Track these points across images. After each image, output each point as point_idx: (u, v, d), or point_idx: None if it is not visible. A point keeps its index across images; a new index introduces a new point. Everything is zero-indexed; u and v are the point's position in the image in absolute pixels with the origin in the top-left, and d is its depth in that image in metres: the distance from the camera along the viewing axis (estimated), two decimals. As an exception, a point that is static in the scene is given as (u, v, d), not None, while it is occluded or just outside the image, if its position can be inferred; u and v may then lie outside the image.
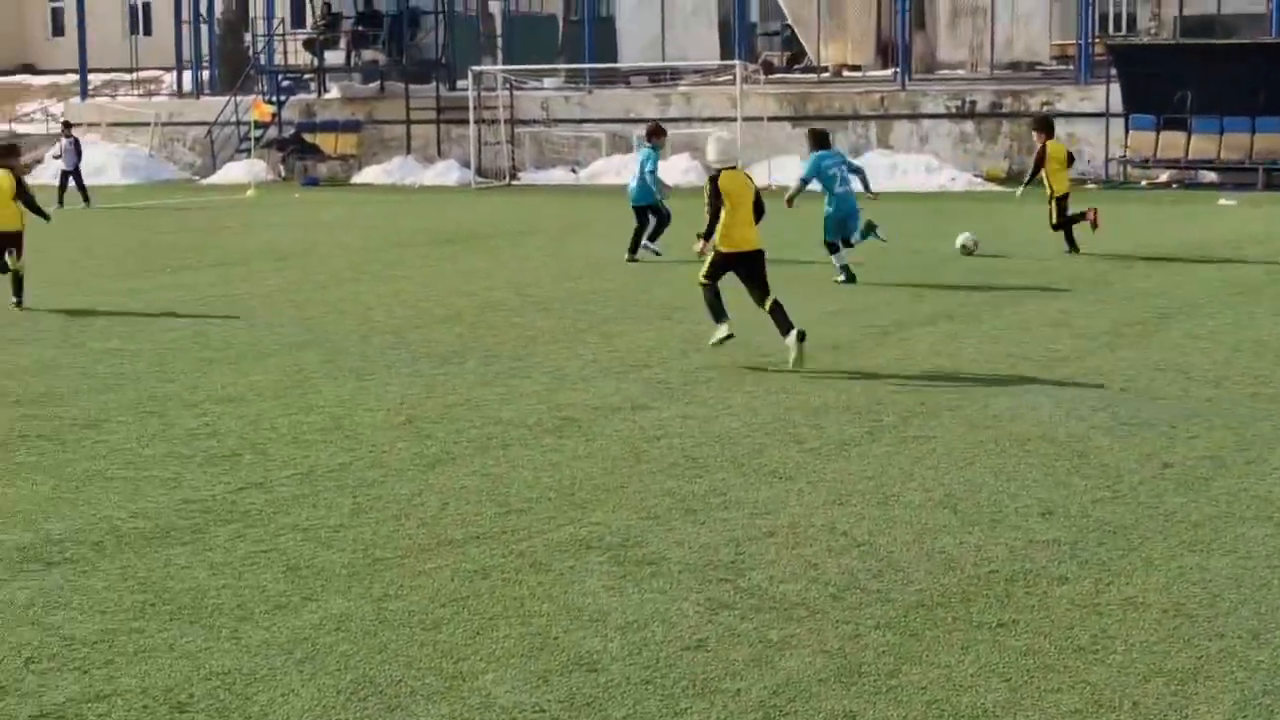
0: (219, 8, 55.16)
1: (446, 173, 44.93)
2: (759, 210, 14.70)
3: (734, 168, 14.84)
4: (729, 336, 14.82)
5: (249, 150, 46.95)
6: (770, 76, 46.01)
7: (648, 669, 6.92)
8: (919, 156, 40.19)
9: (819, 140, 21.12)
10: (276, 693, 6.68)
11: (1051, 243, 23.36)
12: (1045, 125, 24.16)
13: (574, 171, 43.98)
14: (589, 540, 8.86)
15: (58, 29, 70.06)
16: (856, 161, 23.75)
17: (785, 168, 40.95)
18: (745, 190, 14.61)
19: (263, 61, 51.33)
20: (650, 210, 23.62)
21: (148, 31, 64.41)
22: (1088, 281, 20.04)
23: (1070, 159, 23.76)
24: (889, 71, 46.09)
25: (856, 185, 20.98)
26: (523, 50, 49.54)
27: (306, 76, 51.07)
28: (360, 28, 48.90)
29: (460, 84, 46.68)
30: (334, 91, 50.00)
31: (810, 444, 11.23)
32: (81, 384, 13.92)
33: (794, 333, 14.23)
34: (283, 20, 53.86)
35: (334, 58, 49.86)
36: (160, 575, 8.28)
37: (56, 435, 11.81)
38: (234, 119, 48.69)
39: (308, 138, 48.26)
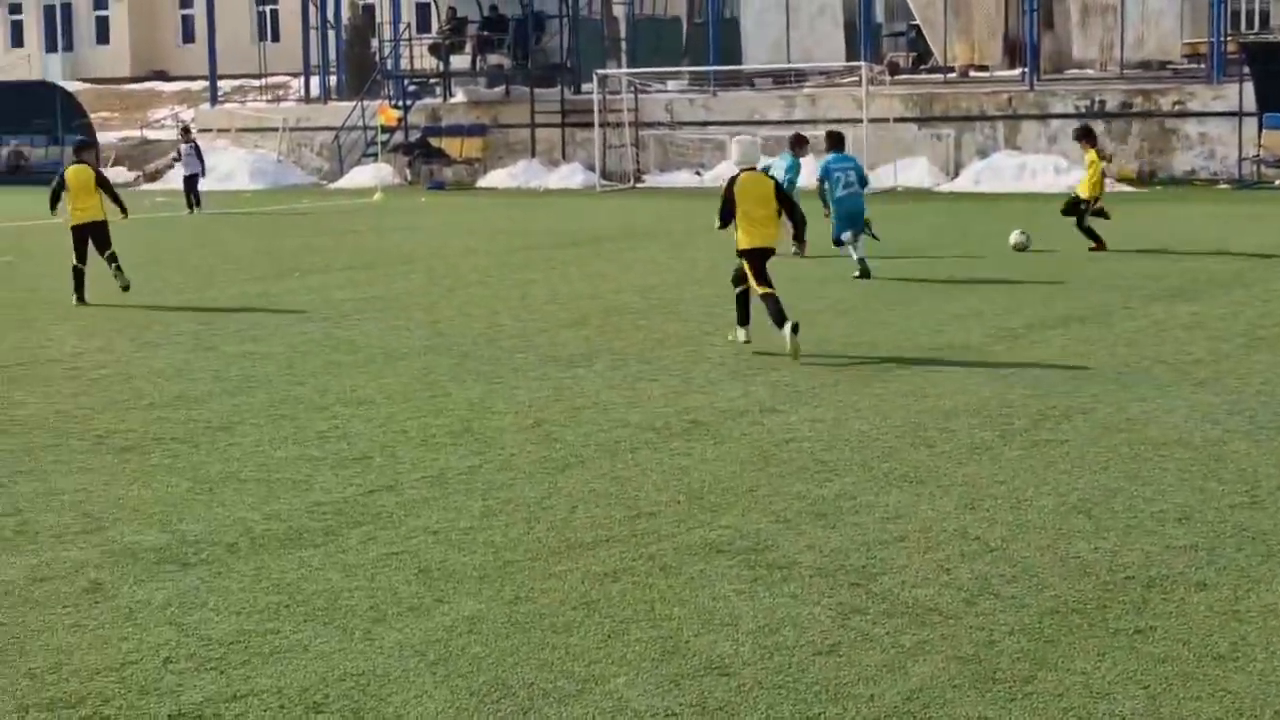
0: (346, 14, 55.69)
1: (571, 176, 45.09)
2: (788, 208, 15.69)
3: (754, 169, 15.78)
4: (746, 341, 15.62)
5: (375, 155, 47.37)
6: (896, 77, 45.77)
7: (780, 673, 6.88)
8: (1047, 157, 39.81)
9: (834, 143, 21.94)
10: (410, 694, 6.70)
11: (1185, 243, 23.03)
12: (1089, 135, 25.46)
13: (698, 174, 43.97)
14: (719, 544, 8.84)
15: (188, 36, 71.05)
16: (868, 175, 23.75)
17: (912, 169, 40.75)
18: (761, 192, 15.46)
19: (389, 66, 51.73)
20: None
21: (276, 38, 65.15)
22: (1222, 283, 19.76)
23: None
24: (1017, 71, 45.68)
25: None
26: (647, 53, 49.61)
27: (432, 81, 51.43)
28: (485, 32, 49.16)
29: (585, 87, 46.85)
30: (459, 96, 50.32)
31: (941, 448, 11.14)
32: (214, 387, 14.08)
33: (788, 325, 14.80)
34: (408, 25, 54.30)
35: (459, 62, 50.19)
36: (294, 577, 8.35)
37: (190, 438, 11.94)
38: (361, 124, 49.13)
39: (433, 142, 48.60)
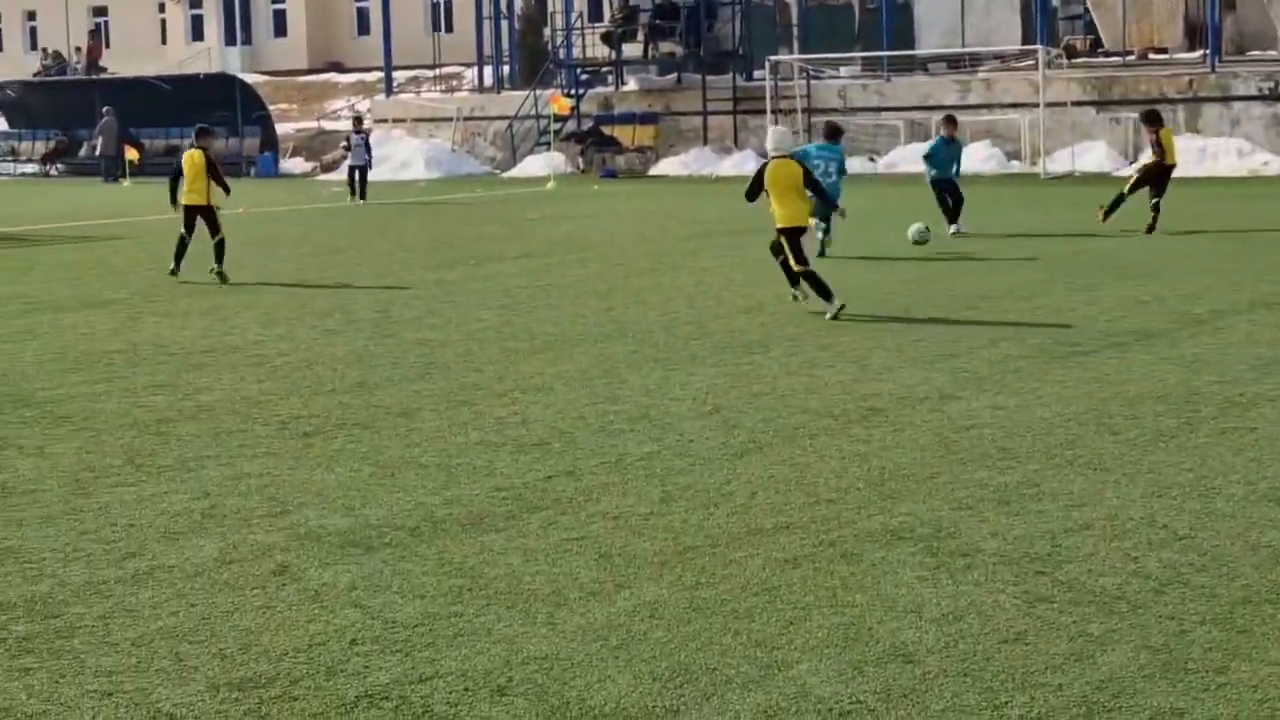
0: (519, 4, 56.03)
1: (743, 163, 44.97)
2: (816, 191, 17.39)
3: (785, 157, 17.28)
4: (843, 307, 16.70)
5: (548, 143, 47.63)
6: (1073, 60, 45.12)
7: (965, 661, 6.80)
8: (1230, 140, 39.06)
9: (830, 133, 23.11)
10: (593, 678, 6.72)
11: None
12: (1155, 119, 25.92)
13: (872, 160, 43.70)
14: (900, 531, 8.76)
15: (363, 28, 71.91)
16: (849, 167, 24.61)
17: (1089, 154, 40.16)
18: (789, 176, 17.00)
19: (562, 55, 51.97)
20: (947, 189, 25.44)
21: (449, 28, 65.74)
22: None
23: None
24: (1197, 53, 44.82)
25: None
26: (819, 39, 49.38)
27: (604, 70, 51.59)
28: (657, 20, 49.20)
29: (757, 74, 46.76)
30: (631, 84, 50.42)
31: (1126, 435, 10.96)
32: (394, 373, 14.23)
33: (835, 303, 16.60)
34: (581, 14, 54.51)
35: (631, 50, 50.29)
36: (476, 561, 8.40)
37: (371, 423, 12.08)
38: (533, 113, 49.41)
39: (606, 130, 48.77)
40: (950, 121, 26.90)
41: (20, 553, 8.72)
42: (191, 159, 22.23)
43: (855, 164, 43.67)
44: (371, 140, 47.37)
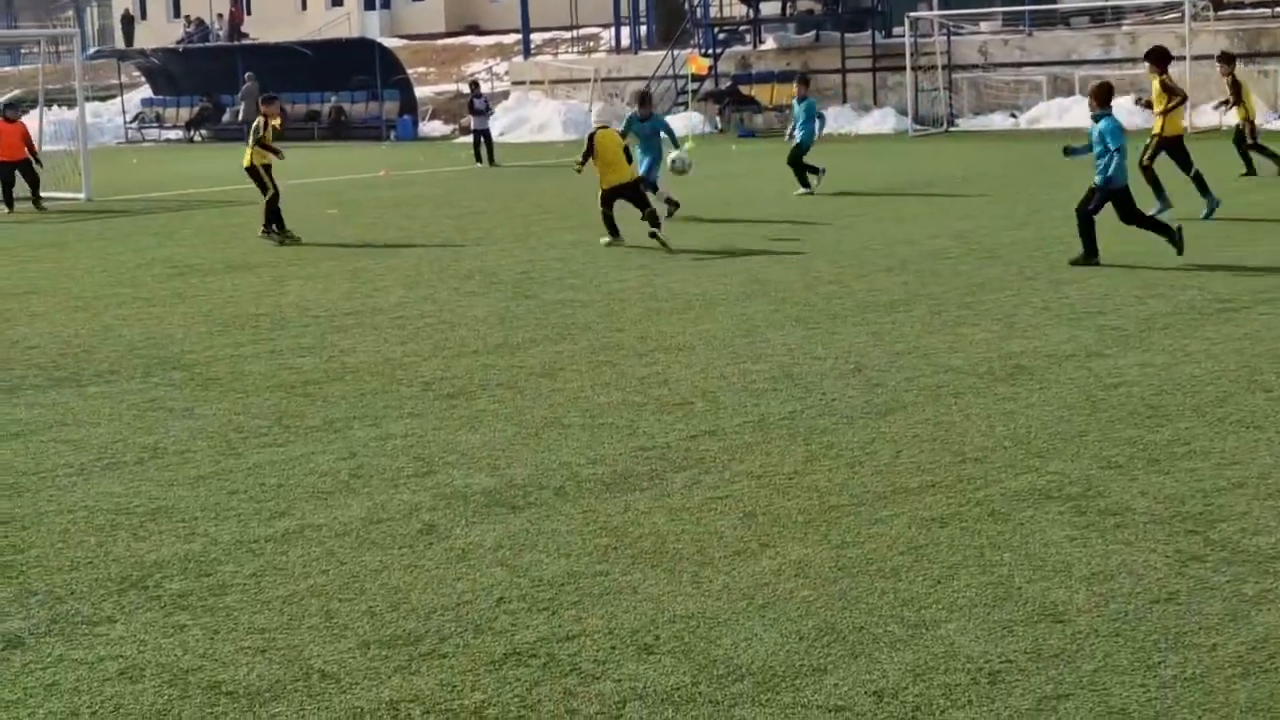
0: (656, -36, 55.95)
1: (883, 121, 44.71)
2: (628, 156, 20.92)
3: (607, 127, 21.05)
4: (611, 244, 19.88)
5: (686, 103, 47.52)
6: (1220, 12, 44.31)
7: (1116, 621, 6.71)
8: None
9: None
10: (739, 637, 6.71)
11: None
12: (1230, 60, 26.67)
13: (1014, 116, 43.21)
14: (1048, 490, 8.66)
15: (501, -10, 72.11)
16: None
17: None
18: (613, 143, 20.95)
19: (699, 15, 51.82)
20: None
21: (587, -10, 65.75)
22: None
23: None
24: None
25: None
26: (960, -6, 48.84)
27: (742, 28, 51.38)
28: (796, -22, 48.95)
29: (896, 31, 46.38)
30: (769, 43, 50.21)
31: (1279, 392, 10.76)
32: (536, 333, 14.28)
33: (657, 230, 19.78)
34: (717, -27, 54.30)
35: (769, 9, 50.09)
36: (620, 520, 8.42)
37: (514, 384, 12.13)
38: (671, 73, 49.33)
39: (744, 89, 48.58)
40: (802, 81, 28.76)
41: (173, 512, 8.86)
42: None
43: (997, 119, 43.37)
44: (509, 102, 47.54)
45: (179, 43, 68.35)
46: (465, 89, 49.27)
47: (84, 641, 6.91)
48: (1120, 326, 13.37)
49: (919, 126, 43.64)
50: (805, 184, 27.21)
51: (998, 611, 6.88)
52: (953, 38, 45.45)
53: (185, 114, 60.20)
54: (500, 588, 7.43)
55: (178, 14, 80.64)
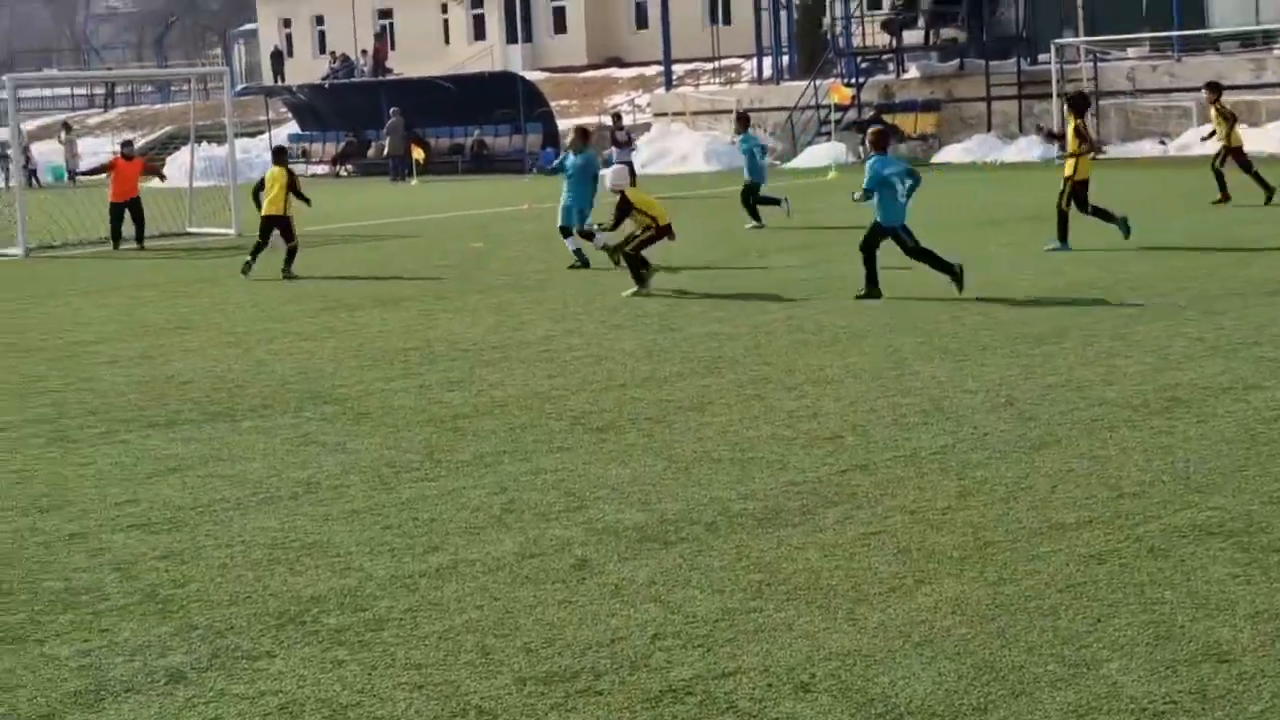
0: (797, -7, 55.91)
1: (1028, 149, 44.27)
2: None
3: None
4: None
5: (829, 133, 47.42)
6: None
7: (1284, 662, 6.58)
8: None
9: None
10: (897, 675, 6.64)
11: None
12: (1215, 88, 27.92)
13: (1162, 143, 42.65)
14: (1209, 526, 8.51)
15: (641, 22, 72.36)
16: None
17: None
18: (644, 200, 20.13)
19: (841, 45, 51.71)
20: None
21: (727, 21, 65.81)
22: None
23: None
24: None
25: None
26: (1106, 20, 48.20)
27: (885, 57, 51.19)
28: (939, 6, 48.64)
29: (1041, 58, 45.96)
30: (912, 71, 49.96)
31: None
32: (683, 367, 14.27)
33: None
34: (860, 2, 54.10)
35: (912, 37, 49.83)
36: (773, 556, 8.38)
37: (663, 417, 12.13)
38: (813, 103, 49.25)
39: (887, 118, 48.33)
40: (741, 119, 30.88)
41: (329, 547, 8.94)
42: (273, 175, 24.27)
43: (1145, 146, 42.83)
44: (651, 134, 47.66)
45: (324, 78, 69.23)
46: (607, 121, 49.48)
47: (244, 676, 6.99)
48: (1278, 357, 13.12)
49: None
50: (757, 219, 28.17)
51: (1160, 651, 6.76)
52: (1099, 64, 44.97)
53: (331, 149, 60.95)
54: (654, 624, 7.41)
55: (323, 50, 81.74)
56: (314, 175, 60.17)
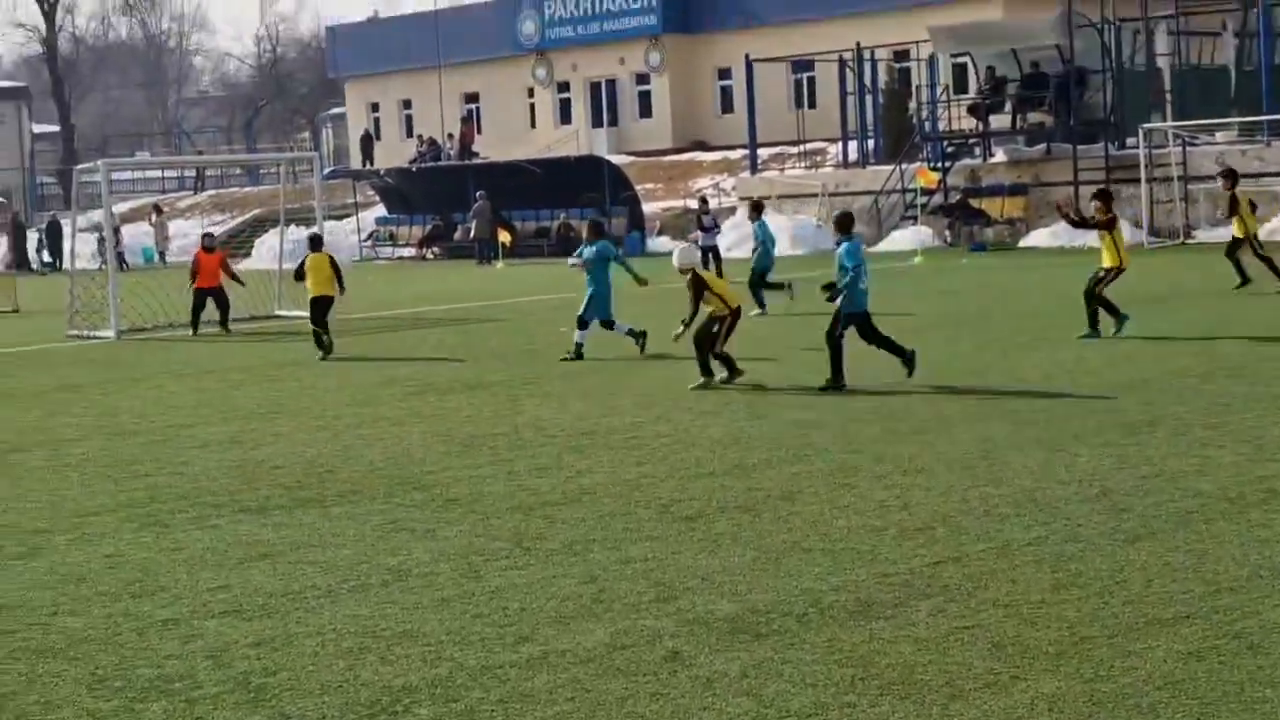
0: (883, 78, 56.00)
1: (1116, 233, 44.04)
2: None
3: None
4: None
5: (915, 217, 47.39)
6: None
7: (1391, 766, 6.45)
8: None
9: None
10: (994, 776, 6.56)
11: None
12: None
13: (1251, 228, 42.32)
14: (1310, 622, 8.38)
15: (726, 106, 72.65)
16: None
17: None
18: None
19: (927, 128, 51.73)
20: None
21: (812, 105, 65.95)
22: None
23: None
24: None
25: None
26: (1194, 104, 48.03)
27: (971, 141, 51.15)
28: (1026, 90, 48.61)
29: (1129, 142, 45.78)
30: (999, 155, 49.89)
31: None
32: (771, 455, 14.23)
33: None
34: (946, 87, 54.14)
35: (999, 121, 49.77)
36: (866, 649, 8.31)
37: (752, 506, 12.08)
38: (899, 186, 49.25)
39: (973, 203, 48.29)
40: (755, 206, 31.23)
41: (419, 636, 8.94)
42: (318, 261, 25.77)
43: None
44: (736, 218, 47.74)
45: (411, 162, 69.87)
46: (693, 205, 49.65)
47: (336, 768, 6.98)
48: (1376, 449, 12.97)
49: (1155, 239, 42.98)
50: (762, 304, 28.50)
51: (1263, 753, 6.65)
52: (1188, 148, 44.76)
53: (418, 232, 61.43)
54: (747, 718, 7.36)
55: (410, 134, 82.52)
56: (400, 258, 60.68)
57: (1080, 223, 23.50)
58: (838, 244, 18.60)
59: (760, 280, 28.74)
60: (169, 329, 31.46)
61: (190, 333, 30.51)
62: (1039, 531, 10.77)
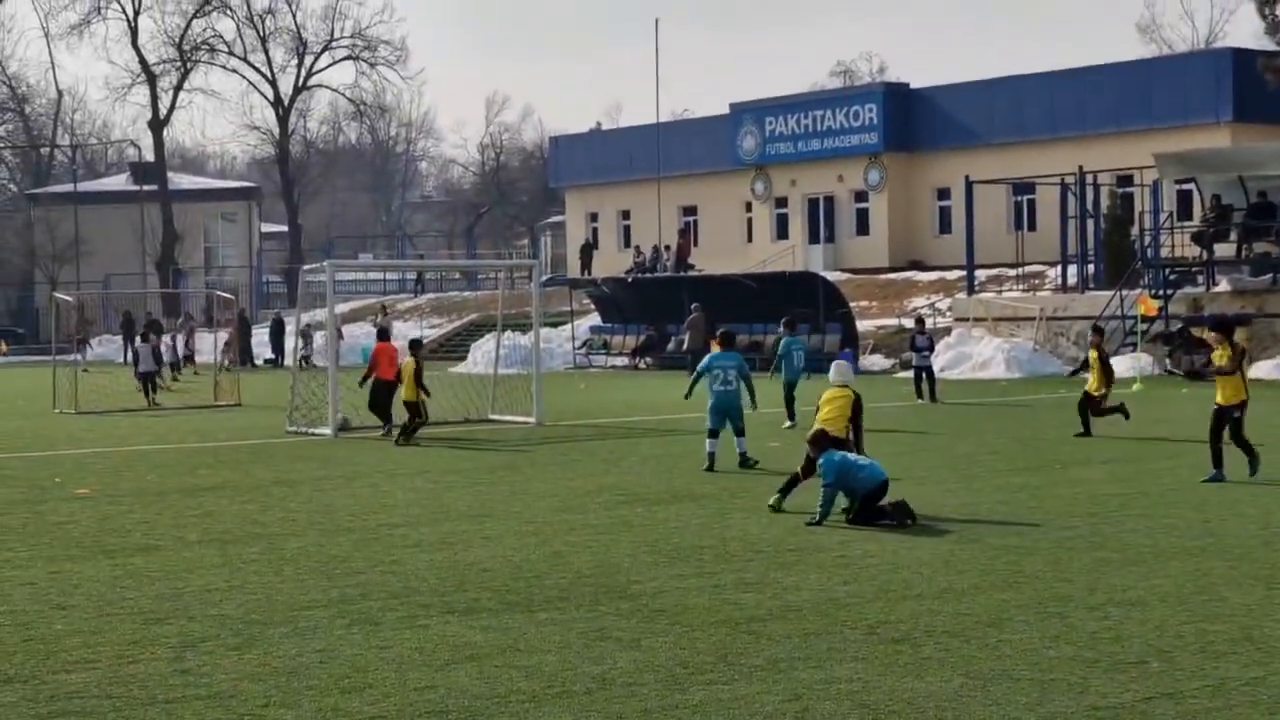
0: (1105, 203, 55.45)
1: (1343, 367, 43.06)
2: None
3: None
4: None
5: (1135, 344, 46.70)
6: None
7: None
8: None
9: (725, 341, 25.47)
10: None
11: None
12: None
13: None
14: None
15: (944, 227, 72.52)
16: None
17: None
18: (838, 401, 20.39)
19: (1149, 255, 51.08)
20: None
21: (1032, 227, 65.54)
22: None
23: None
24: None
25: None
26: None
27: (1194, 269, 50.40)
28: (1252, 219, 47.83)
29: (1357, 275, 44.85)
30: (1223, 284, 49.09)
31: None
32: (980, 580, 14.05)
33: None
34: (1170, 213, 53.50)
35: (1224, 250, 49.00)
36: (1074, 784, 8.14)
37: (960, 631, 11.93)
38: (1119, 313, 48.62)
39: (1195, 331, 47.48)
40: (788, 324, 33.34)
41: (621, 747, 8.94)
42: (408, 366, 29.26)
43: None
44: (951, 339, 47.48)
45: (628, 272, 70.60)
46: (908, 323, 49.48)
47: None
48: None
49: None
50: (792, 416, 30.62)
51: None
52: None
53: (631, 341, 61.91)
54: None
55: (628, 244, 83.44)
56: (613, 367, 61.17)
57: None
58: (820, 461, 17.99)
59: (789, 394, 31.26)
60: (381, 428, 31.78)
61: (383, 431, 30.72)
62: (1257, 671, 10.50)
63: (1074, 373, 29.20)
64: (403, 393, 29.36)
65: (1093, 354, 29.44)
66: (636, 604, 13.18)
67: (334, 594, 13.81)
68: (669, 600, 13.31)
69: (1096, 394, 28.77)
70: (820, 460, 17.91)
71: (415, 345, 30.41)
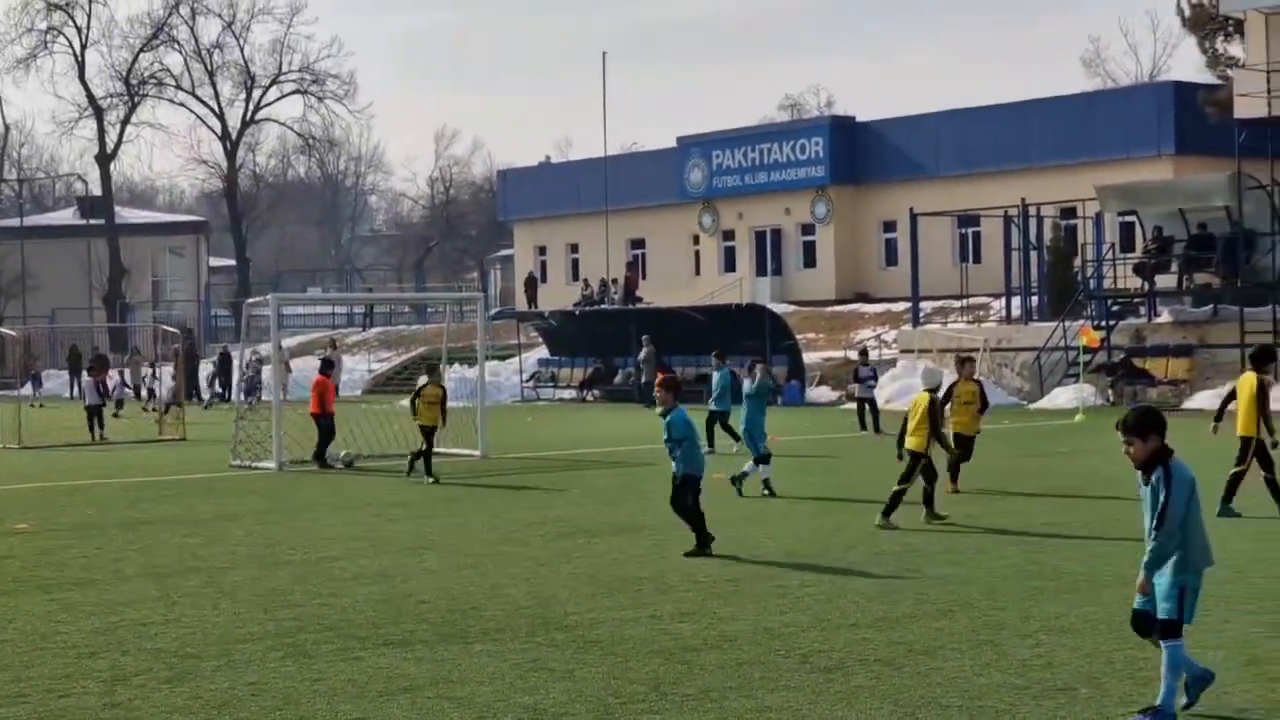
0: (1048, 235, 55.84)
1: (1285, 397, 43.35)
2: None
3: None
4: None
5: (1077, 375, 46.98)
6: None
7: None
8: None
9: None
10: None
11: None
12: None
13: None
14: None
15: (891, 259, 72.79)
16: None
17: None
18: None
19: (1092, 287, 51.43)
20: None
21: (977, 259, 65.89)
22: None
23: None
24: None
25: None
26: (1366, 269, 47.41)
27: (1136, 301, 50.77)
28: (1193, 251, 48.24)
29: (1300, 305, 45.25)
30: (1164, 315, 49.47)
31: None
32: (916, 609, 14.13)
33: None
34: (1112, 245, 53.90)
35: (1165, 281, 49.39)
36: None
37: (893, 660, 12.00)
38: (1062, 344, 48.93)
39: (1137, 362, 47.84)
40: (718, 355, 35.18)
41: (549, 776, 8.96)
42: (432, 392, 28.74)
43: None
44: (897, 370, 47.70)
45: (576, 305, 70.65)
46: (853, 355, 49.67)
47: None
48: None
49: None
50: (711, 444, 31.20)
51: None
52: (1359, 313, 44.17)
53: (579, 374, 61.92)
54: None
55: (576, 277, 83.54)
56: (560, 399, 61.16)
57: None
58: (664, 414, 18.08)
59: (717, 420, 33.22)
60: (335, 461, 31.78)
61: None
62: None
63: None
64: (426, 418, 28.47)
65: (966, 387, 26.24)
66: (572, 635, 13.21)
67: (270, 627, 13.80)
68: (605, 631, 13.34)
69: (970, 433, 25.59)
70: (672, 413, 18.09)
71: (433, 369, 30.83)
